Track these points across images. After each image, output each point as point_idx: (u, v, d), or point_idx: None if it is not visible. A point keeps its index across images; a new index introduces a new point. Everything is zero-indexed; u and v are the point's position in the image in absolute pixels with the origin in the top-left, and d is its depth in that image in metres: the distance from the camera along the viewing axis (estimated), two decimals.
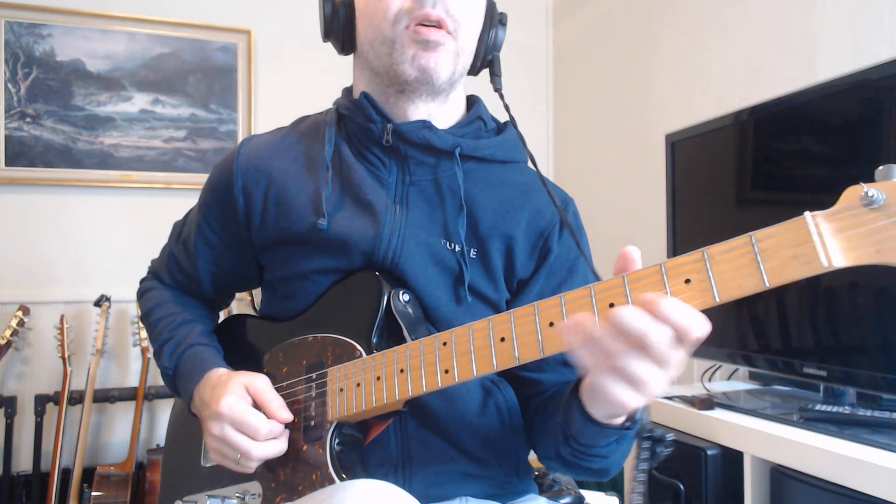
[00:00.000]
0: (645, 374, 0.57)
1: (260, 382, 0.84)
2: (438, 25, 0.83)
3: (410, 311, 0.84)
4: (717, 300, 0.56)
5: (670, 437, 0.67)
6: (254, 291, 2.40)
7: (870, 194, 0.50)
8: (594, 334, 0.58)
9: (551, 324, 0.63)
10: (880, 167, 0.52)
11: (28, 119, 2.39)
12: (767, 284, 0.54)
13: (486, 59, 0.93)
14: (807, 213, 0.53)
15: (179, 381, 0.92)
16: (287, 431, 0.83)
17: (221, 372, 0.88)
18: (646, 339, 0.55)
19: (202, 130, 2.59)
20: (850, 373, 1.45)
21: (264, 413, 0.81)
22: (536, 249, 0.90)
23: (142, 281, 1.09)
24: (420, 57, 0.83)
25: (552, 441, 0.80)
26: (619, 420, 0.68)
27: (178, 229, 1.05)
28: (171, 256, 1.04)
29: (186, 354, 0.92)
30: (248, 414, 0.80)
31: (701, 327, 0.56)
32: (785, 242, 0.53)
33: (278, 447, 0.81)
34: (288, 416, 0.82)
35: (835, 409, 1.44)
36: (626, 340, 0.56)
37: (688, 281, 0.57)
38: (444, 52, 0.84)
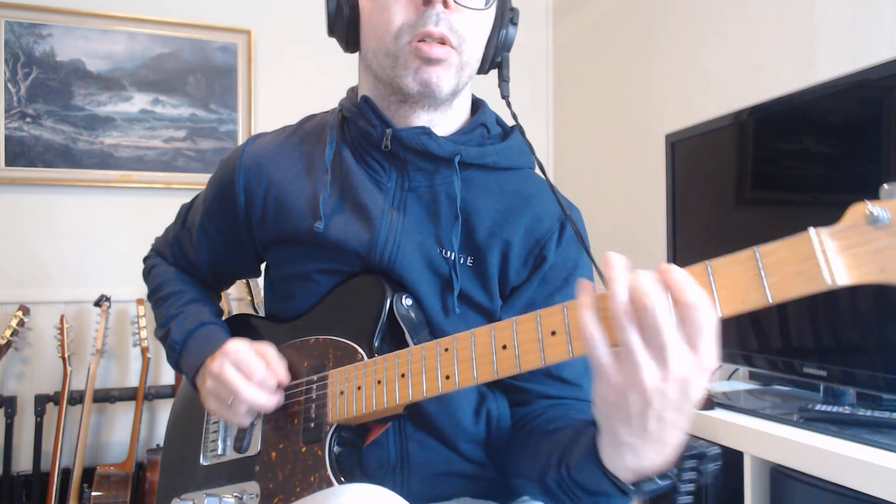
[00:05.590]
0: (633, 343, 0.54)
1: (267, 346, 0.87)
2: (441, 41, 0.81)
3: (413, 315, 0.84)
4: (720, 314, 0.55)
5: (714, 450, 0.62)
6: (254, 291, 2.40)
7: (874, 213, 0.50)
8: (611, 286, 0.56)
9: (553, 332, 0.63)
10: (885, 185, 0.51)
11: (28, 119, 2.39)
12: (771, 300, 0.53)
13: (494, 60, 0.91)
14: (811, 229, 0.52)
15: (187, 355, 0.93)
16: (280, 395, 0.85)
17: None
18: (642, 302, 0.53)
19: (202, 130, 2.59)
20: (850, 373, 1.45)
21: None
22: (531, 256, 0.88)
23: (146, 259, 1.12)
24: (423, 71, 0.81)
25: (540, 462, 0.77)
26: (625, 475, 0.62)
27: (184, 215, 1.06)
28: (175, 240, 1.06)
29: (199, 332, 0.94)
30: (248, 356, 0.84)
31: (694, 292, 0.53)
32: (789, 258, 0.53)
33: (266, 398, 0.83)
34: (284, 376, 0.85)
35: (835, 409, 1.43)
36: (635, 312, 0.55)
37: None
38: (447, 66, 0.83)
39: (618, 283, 0.56)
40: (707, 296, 0.54)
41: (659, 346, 0.54)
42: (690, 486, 0.61)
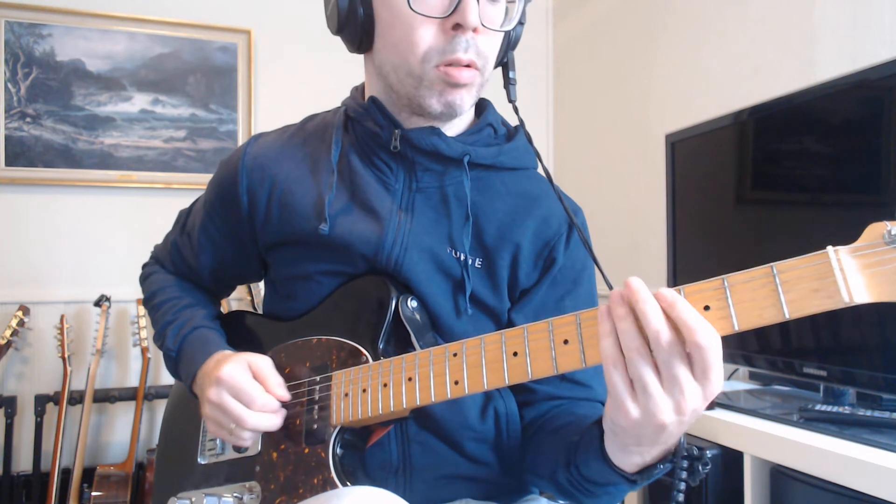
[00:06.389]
0: (648, 381, 0.57)
1: (263, 361, 0.85)
2: (468, 65, 0.81)
3: (418, 317, 0.84)
4: (736, 328, 0.56)
5: (709, 453, 0.67)
6: (254, 292, 2.40)
7: (893, 233, 0.50)
8: (620, 323, 0.58)
9: (566, 341, 0.63)
10: None
11: (28, 119, 2.38)
12: (787, 316, 0.54)
13: (501, 60, 0.91)
14: (829, 248, 0.53)
15: (182, 362, 0.92)
16: (283, 411, 0.83)
17: (227, 352, 0.89)
18: (655, 337, 0.56)
19: (202, 130, 2.58)
20: (850, 373, 1.45)
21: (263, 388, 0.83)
22: (541, 259, 0.88)
23: (144, 266, 1.11)
24: (447, 94, 0.81)
25: (551, 461, 0.79)
26: (632, 469, 0.66)
27: (183, 220, 1.05)
28: (174, 246, 1.04)
29: (191, 336, 0.92)
30: (245, 382, 0.81)
31: (706, 333, 0.55)
32: (806, 275, 0.53)
33: (272, 421, 0.82)
34: (285, 395, 0.83)
35: (835, 409, 1.44)
36: (642, 337, 0.57)
37: (707, 307, 0.57)
38: (471, 87, 0.83)
39: (625, 319, 0.57)
40: (715, 332, 0.55)
41: (672, 380, 0.56)
42: (683, 486, 0.65)
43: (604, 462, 0.67)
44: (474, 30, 0.79)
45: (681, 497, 0.66)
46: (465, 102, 0.83)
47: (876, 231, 0.52)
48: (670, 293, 0.57)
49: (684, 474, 0.65)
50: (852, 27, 1.74)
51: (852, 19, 1.74)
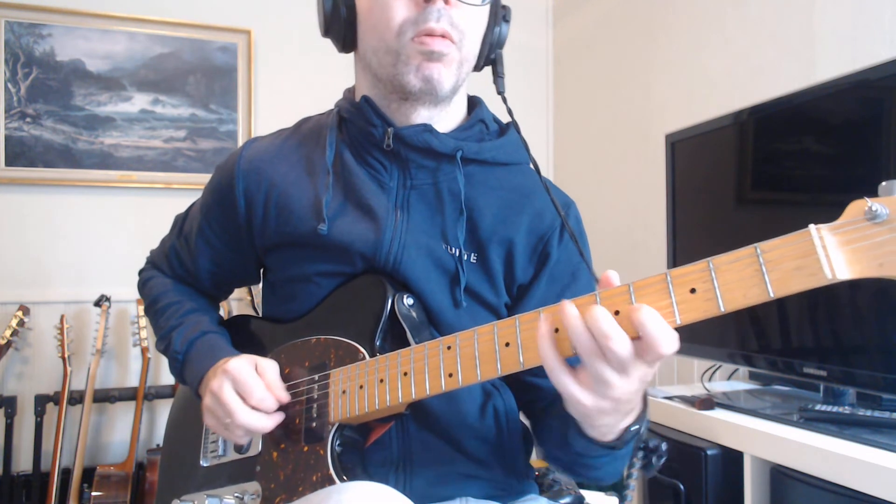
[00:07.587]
0: (605, 376, 0.61)
1: (269, 364, 0.85)
2: (443, 36, 0.82)
3: (414, 314, 0.84)
4: (722, 309, 0.57)
5: (664, 446, 0.69)
6: (254, 292, 2.40)
7: (874, 209, 0.51)
8: (570, 325, 0.61)
9: (557, 329, 0.64)
10: (883, 183, 0.53)
11: (28, 119, 2.39)
12: (772, 295, 0.55)
13: (489, 56, 0.92)
14: (811, 226, 0.53)
15: (189, 365, 0.92)
16: (280, 415, 0.84)
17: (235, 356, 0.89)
18: (606, 343, 0.59)
19: (202, 130, 2.59)
20: (850, 373, 1.45)
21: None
22: (536, 254, 0.89)
23: (141, 271, 1.10)
24: (424, 67, 0.82)
25: (552, 443, 0.83)
26: (609, 437, 0.70)
27: (180, 224, 1.05)
28: (172, 250, 1.05)
29: (200, 341, 0.93)
30: (248, 375, 0.82)
31: (669, 343, 0.58)
32: (789, 254, 0.54)
33: (263, 422, 0.82)
34: (283, 395, 0.84)
35: (835, 409, 1.44)
36: (594, 339, 0.60)
37: (693, 290, 0.58)
38: (448, 62, 0.83)
39: (576, 325, 0.61)
40: (673, 333, 0.59)
41: (623, 368, 0.61)
42: (635, 476, 0.70)
43: (587, 440, 0.71)
44: (445, 0, 0.81)
45: (632, 486, 0.71)
46: (444, 78, 0.83)
47: (857, 208, 0.53)
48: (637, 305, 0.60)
49: (638, 465, 0.69)
50: (852, 27, 1.74)
51: (852, 19, 1.74)
